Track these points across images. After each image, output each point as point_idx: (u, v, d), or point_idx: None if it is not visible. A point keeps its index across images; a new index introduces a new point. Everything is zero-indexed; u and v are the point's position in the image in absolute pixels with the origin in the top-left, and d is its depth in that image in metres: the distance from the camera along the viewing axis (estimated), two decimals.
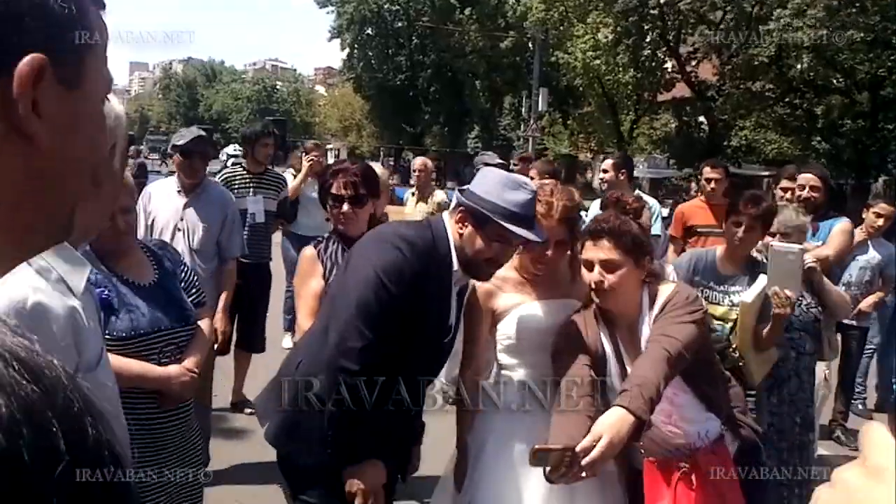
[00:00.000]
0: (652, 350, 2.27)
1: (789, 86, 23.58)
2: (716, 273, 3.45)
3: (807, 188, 4.70)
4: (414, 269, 2.24)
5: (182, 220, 4.44)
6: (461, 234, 2.32)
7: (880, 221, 5.39)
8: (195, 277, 2.82)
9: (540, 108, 29.69)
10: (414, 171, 7.32)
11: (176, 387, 2.49)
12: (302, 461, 2.41)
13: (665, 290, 2.44)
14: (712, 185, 5.66)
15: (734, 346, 3.26)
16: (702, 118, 28.30)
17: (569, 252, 2.62)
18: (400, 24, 41.23)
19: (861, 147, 22.34)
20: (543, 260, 2.57)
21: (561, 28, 29.90)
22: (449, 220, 2.38)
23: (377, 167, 4.60)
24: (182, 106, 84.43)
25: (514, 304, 2.63)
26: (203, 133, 4.79)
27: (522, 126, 33.58)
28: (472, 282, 2.55)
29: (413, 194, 7.19)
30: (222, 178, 5.48)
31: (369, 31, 41.78)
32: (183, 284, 2.66)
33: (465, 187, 2.43)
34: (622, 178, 5.77)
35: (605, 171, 5.96)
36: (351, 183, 2.97)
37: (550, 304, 2.62)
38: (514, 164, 7.93)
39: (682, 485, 2.43)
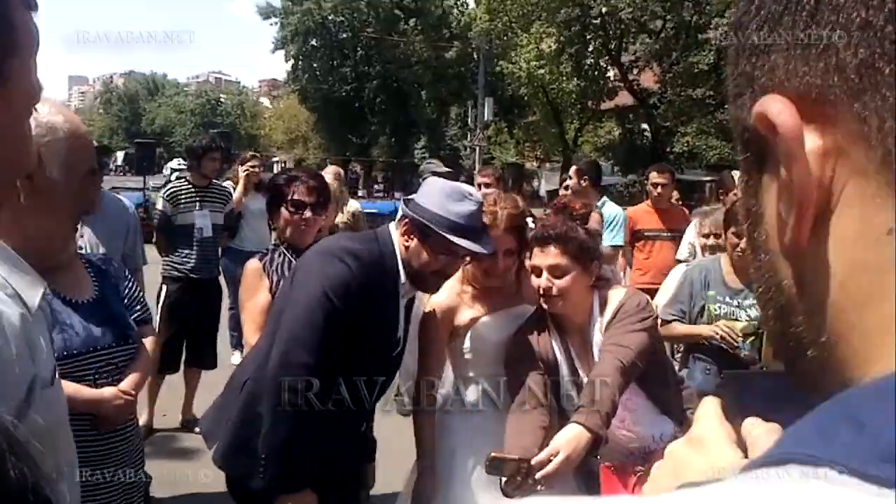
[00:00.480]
0: (605, 362, 2.27)
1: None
2: (726, 287, 3.40)
3: None
4: (360, 282, 2.20)
5: (83, 236, 4.13)
6: (407, 247, 2.29)
7: None
8: (140, 293, 2.68)
9: (486, 118, 29.88)
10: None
11: (109, 409, 2.37)
12: (253, 484, 2.34)
13: (616, 296, 2.44)
14: (659, 189, 5.73)
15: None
16: (645, 125, 28.82)
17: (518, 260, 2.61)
18: (345, 36, 41.10)
19: None
20: (494, 271, 2.54)
21: (505, 38, 30.16)
22: (395, 231, 2.35)
23: (327, 176, 4.54)
24: (124, 120, 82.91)
25: (470, 319, 2.60)
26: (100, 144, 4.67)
27: (469, 136, 33.74)
28: (434, 300, 2.52)
29: None
30: (167, 192, 5.36)
31: (314, 42, 41.58)
32: (126, 301, 2.54)
33: (410, 198, 2.40)
34: (585, 184, 5.65)
35: (569, 178, 5.87)
36: (315, 188, 2.96)
37: (502, 316, 2.60)
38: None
39: (639, 489, 2.43)
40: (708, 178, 32.42)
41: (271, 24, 41.91)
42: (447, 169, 6.73)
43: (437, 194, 2.29)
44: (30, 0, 0.82)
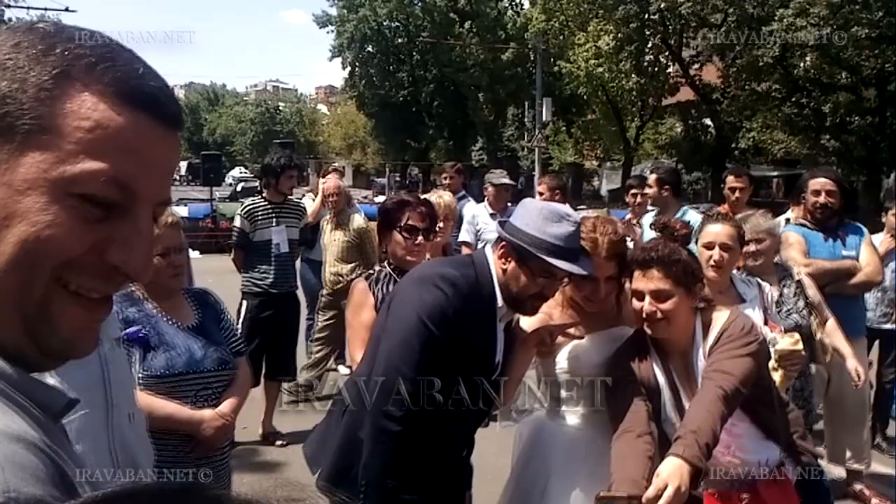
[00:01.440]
0: (707, 390, 2.20)
1: (795, 85, 23.52)
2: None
3: (822, 194, 4.53)
4: (456, 308, 2.18)
5: None
6: (504, 270, 2.26)
7: None
8: (235, 328, 2.85)
9: (544, 118, 29.66)
10: (327, 195, 6.18)
11: (207, 431, 2.45)
12: None
13: (720, 318, 2.37)
14: (737, 194, 5.55)
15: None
16: (708, 121, 28.27)
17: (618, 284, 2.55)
18: (400, 41, 41.35)
19: (870, 143, 22.24)
20: (596, 298, 2.49)
21: (562, 37, 29.98)
22: (491, 254, 2.32)
23: (446, 195, 4.55)
24: (186, 131, 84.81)
25: (567, 339, 2.55)
26: None
27: (526, 136, 33.58)
28: (528, 320, 2.49)
29: (328, 221, 6.29)
30: (245, 210, 5.45)
31: (370, 48, 41.90)
32: (223, 333, 2.65)
33: (505, 220, 2.38)
34: (666, 194, 5.38)
35: (649, 187, 5.58)
36: (428, 215, 3.08)
37: (600, 338, 2.55)
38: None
39: None
40: (775, 174, 31.78)
41: (328, 32, 42.41)
42: (511, 182, 6.56)
43: (533, 216, 2.25)
44: (166, 116, 0.70)
